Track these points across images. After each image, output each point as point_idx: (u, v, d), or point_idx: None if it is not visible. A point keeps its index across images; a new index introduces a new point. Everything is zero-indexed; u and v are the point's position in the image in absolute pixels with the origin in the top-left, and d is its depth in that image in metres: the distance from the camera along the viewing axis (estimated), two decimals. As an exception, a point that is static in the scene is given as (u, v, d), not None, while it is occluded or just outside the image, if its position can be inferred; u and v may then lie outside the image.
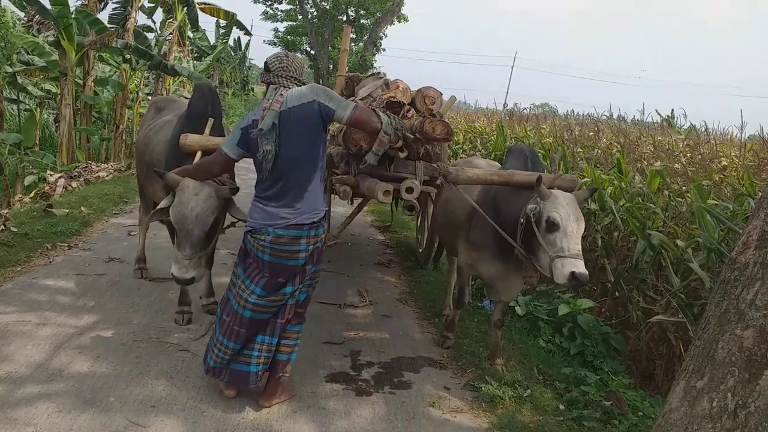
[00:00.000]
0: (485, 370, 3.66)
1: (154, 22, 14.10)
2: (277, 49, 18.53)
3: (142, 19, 12.92)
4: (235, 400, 3.01)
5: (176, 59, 12.97)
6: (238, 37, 27.37)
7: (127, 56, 11.34)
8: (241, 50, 28.02)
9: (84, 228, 5.96)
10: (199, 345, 3.54)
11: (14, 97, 11.00)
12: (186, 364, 3.34)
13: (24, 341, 3.39)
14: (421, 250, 6.04)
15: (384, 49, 27.35)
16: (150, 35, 13.19)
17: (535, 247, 3.07)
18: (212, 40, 21.28)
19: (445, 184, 3.57)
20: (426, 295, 5.10)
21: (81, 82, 10.64)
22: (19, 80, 10.54)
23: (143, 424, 2.74)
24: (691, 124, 8.78)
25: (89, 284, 4.40)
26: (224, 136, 3.45)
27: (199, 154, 3.32)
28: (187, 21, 13.57)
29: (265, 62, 2.81)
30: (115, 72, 12.24)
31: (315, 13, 26.83)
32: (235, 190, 3.15)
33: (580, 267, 2.87)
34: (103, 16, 11.03)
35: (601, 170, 6.23)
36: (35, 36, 10.66)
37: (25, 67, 10.66)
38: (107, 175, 9.05)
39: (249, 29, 18.13)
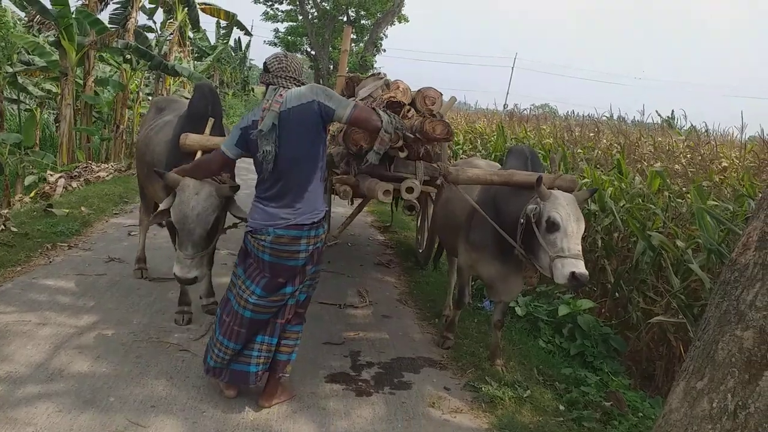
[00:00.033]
0: (485, 370, 3.66)
1: (155, 23, 14.12)
2: (278, 50, 18.56)
3: (142, 19, 12.95)
4: (235, 400, 3.01)
5: (176, 59, 12.98)
6: (239, 38, 27.45)
7: (128, 56, 11.35)
8: (241, 50, 28.05)
9: (84, 228, 5.96)
10: (199, 345, 3.54)
11: (15, 97, 11.01)
12: (186, 364, 3.34)
13: (24, 341, 3.39)
14: (421, 251, 6.04)
15: (384, 50, 27.41)
16: (150, 35, 13.20)
17: (535, 248, 3.08)
18: (213, 41, 21.29)
19: (445, 184, 3.57)
20: (426, 295, 5.10)
21: (81, 82, 10.65)
22: (20, 80, 10.55)
23: (143, 424, 2.74)
24: (692, 125, 8.77)
25: (89, 284, 4.40)
26: (224, 136, 3.45)
27: (199, 153, 3.32)
28: (188, 21, 13.58)
29: (264, 63, 2.81)
30: (116, 72, 12.25)
31: (315, 14, 26.84)
32: (236, 188, 3.15)
33: (580, 267, 2.87)
34: (104, 17, 11.06)
35: (602, 171, 6.22)
36: (36, 36, 10.67)
37: (25, 67, 10.67)
38: (107, 175, 9.05)
39: (249, 30, 18.16)
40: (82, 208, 6.50)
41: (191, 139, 3.34)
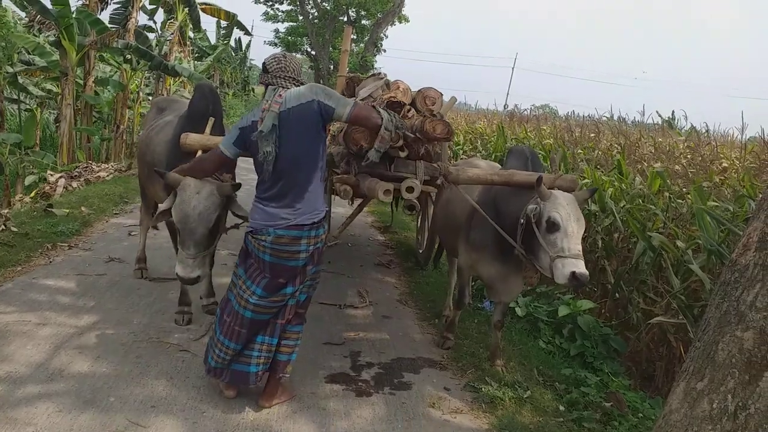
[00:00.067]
0: (485, 371, 3.66)
1: (155, 23, 14.12)
2: (278, 50, 18.53)
3: (143, 19, 12.96)
4: (235, 400, 3.01)
5: (177, 60, 12.98)
6: (239, 38, 27.46)
7: (128, 56, 11.36)
8: (241, 51, 28.05)
9: (84, 228, 5.96)
10: (199, 345, 3.54)
11: (15, 97, 11.01)
12: (186, 365, 3.34)
13: (24, 341, 3.39)
14: (421, 251, 6.04)
15: (385, 50, 27.39)
16: (151, 35, 13.21)
17: (536, 248, 3.08)
18: (213, 40, 21.30)
19: (445, 184, 3.58)
20: (426, 296, 5.10)
21: (82, 82, 10.65)
22: (20, 80, 10.55)
23: (143, 424, 2.74)
24: (692, 125, 8.78)
25: (89, 284, 4.40)
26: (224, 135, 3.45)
27: (199, 153, 3.32)
28: (188, 22, 13.59)
29: (263, 63, 2.81)
30: (116, 72, 12.26)
31: (316, 14, 26.83)
32: (237, 186, 3.15)
33: (580, 267, 2.87)
34: (105, 17, 11.07)
35: (602, 171, 6.22)
36: (36, 36, 10.67)
37: (26, 67, 10.68)
38: (108, 175, 9.05)
39: (249, 30, 18.16)
40: (83, 208, 6.50)
41: (191, 138, 3.34)
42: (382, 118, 2.84)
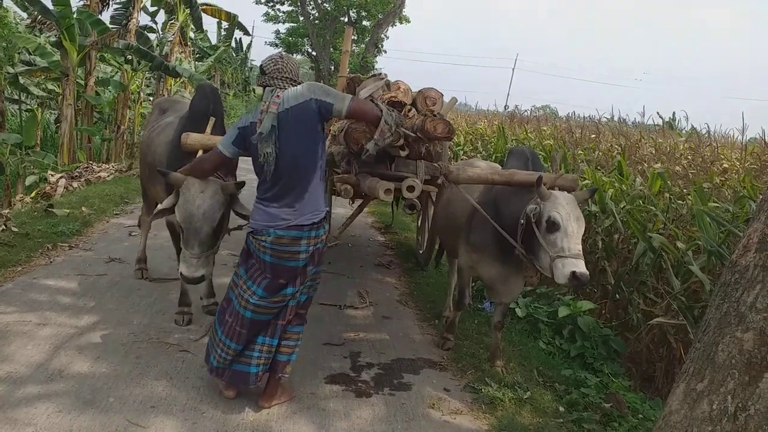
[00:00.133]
0: (485, 371, 3.66)
1: (156, 23, 14.14)
2: (279, 51, 18.51)
3: (144, 19, 12.98)
4: (235, 400, 3.01)
5: (177, 60, 12.99)
6: (240, 38, 27.48)
7: (129, 57, 11.37)
8: (242, 51, 28.07)
9: (85, 228, 5.96)
10: (199, 346, 3.54)
11: (16, 97, 11.03)
12: (186, 365, 3.34)
13: (24, 341, 3.39)
14: (421, 252, 6.04)
15: (385, 51, 27.40)
16: (152, 36, 13.22)
17: (536, 248, 3.08)
18: (214, 41, 21.31)
19: (446, 184, 3.58)
20: (426, 296, 5.10)
21: (82, 82, 10.67)
22: (21, 81, 10.56)
23: (143, 425, 2.74)
24: (692, 126, 8.78)
25: (90, 284, 4.40)
26: (225, 135, 3.45)
27: (200, 153, 3.32)
28: (190, 22, 13.61)
29: (261, 65, 2.82)
30: (117, 72, 12.27)
31: (316, 15, 26.86)
32: (241, 185, 3.15)
33: (580, 267, 2.87)
34: (105, 17, 11.07)
35: (602, 172, 6.22)
36: (37, 36, 10.69)
37: (27, 67, 10.69)
38: (108, 176, 9.05)
39: (250, 31, 18.19)
40: (83, 209, 6.50)
41: (192, 138, 3.34)
42: (381, 111, 2.84)
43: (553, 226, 2.97)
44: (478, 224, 3.51)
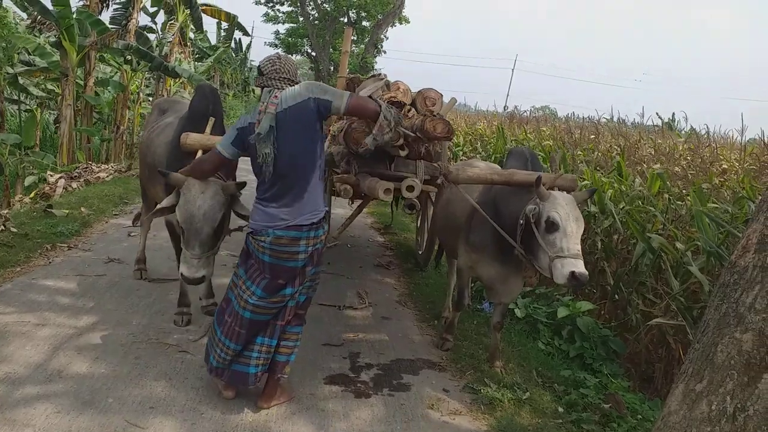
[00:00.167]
0: (484, 372, 3.65)
1: (156, 24, 14.14)
2: (278, 51, 18.49)
3: (143, 19, 12.97)
4: (234, 401, 3.01)
5: (177, 61, 12.99)
6: (239, 39, 27.44)
7: (128, 57, 11.37)
8: (242, 52, 28.05)
9: (84, 229, 5.96)
10: (198, 346, 3.54)
11: (15, 97, 11.02)
12: (185, 366, 3.34)
13: (23, 342, 3.39)
14: (420, 252, 6.04)
15: (385, 51, 27.42)
16: (151, 36, 13.22)
17: (535, 248, 3.08)
18: (213, 41, 21.30)
19: (445, 184, 3.58)
20: (425, 297, 5.10)
21: (82, 82, 10.66)
22: (21, 81, 10.56)
23: (142, 426, 2.74)
24: (692, 127, 8.79)
25: (89, 285, 4.39)
26: (225, 135, 3.45)
27: (199, 153, 3.32)
28: (189, 23, 13.61)
29: (258, 66, 2.82)
30: (116, 73, 12.28)
31: (316, 16, 26.87)
32: (242, 185, 3.15)
33: (579, 267, 2.88)
34: (105, 18, 11.07)
35: (602, 173, 6.23)
36: (36, 36, 10.68)
37: (26, 68, 10.68)
38: (107, 176, 9.05)
39: (250, 31, 18.18)
40: (82, 209, 6.50)
41: (192, 138, 3.34)
42: (380, 106, 2.85)
43: (552, 227, 2.97)
44: (477, 224, 3.51)
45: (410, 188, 3.32)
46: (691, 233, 4.43)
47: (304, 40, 28.14)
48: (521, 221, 3.15)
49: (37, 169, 9.33)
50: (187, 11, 13.07)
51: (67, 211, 6.25)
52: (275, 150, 2.68)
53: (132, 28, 11.34)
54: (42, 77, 11.20)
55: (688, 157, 6.61)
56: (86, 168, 9.25)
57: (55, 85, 11.20)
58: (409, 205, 3.50)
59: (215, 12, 14.63)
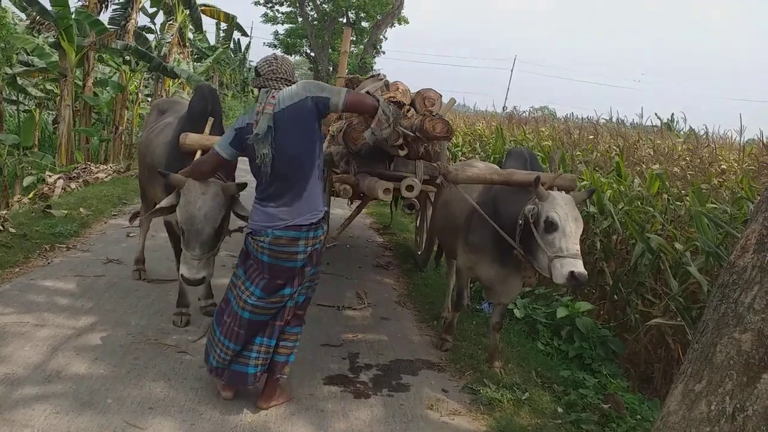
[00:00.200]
0: (483, 372, 3.65)
1: (155, 24, 14.13)
2: (277, 52, 18.54)
3: (142, 20, 12.97)
4: (233, 401, 3.01)
5: (176, 61, 12.99)
6: (238, 39, 27.42)
7: (127, 58, 11.36)
8: (241, 52, 28.04)
9: (83, 229, 5.95)
10: (197, 347, 3.53)
11: (14, 98, 11.01)
12: (184, 366, 3.33)
13: (22, 342, 3.38)
14: (420, 253, 6.04)
15: (384, 52, 27.42)
16: (150, 36, 13.21)
17: (534, 248, 3.08)
18: (212, 42, 21.30)
19: (445, 185, 3.58)
20: (424, 297, 5.10)
21: (81, 83, 10.65)
22: (19, 81, 10.55)
23: (141, 426, 2.73)
24: (691, 127, 8.80)
25: (87, 285, 4.39)
26: (224, 135, 3.44)
27: (198, 153, 3.32)
28: (188, 23, 13.60)
29: (255, 67, 2.83)
30: (115, 73, 12.27)
31: (315, 16, 26.86)
32: (242, 186, 3.15)
33: (579, 267, 2.88)
34: (104, 18, 11.07)
35: (601, 173, 6.23)
36: (35, 37, 10.68)
37: (25, 68, 10.68)
38: (106, 177, 9.04)
39: (249, 32, 18.17)
40: (81, 210, 6.49)
41: (191, 138, 3.34)
42: (378, 101, 2.85)
43: (551, 227, 2.97)
44: (476, 224, 3.51)
45: (410, 188, 3.32)
46: (690, 233, 4.43)
47: (303, 40, 28.12)
48: (520, 221, 3.15)
49: (35, 169, 9.32)
50: (186, 12, 13.06)
51: (65, 212, 6.24)
52: (273, 150, 2.68)
53: (131, 28, 11.34)
54: (41, 77, 11.19)
55: (687, 158, 6.61)
56: (85, 168, 9.24)
57: (54, 85, 11.18)
58: (409, 205, 3.50)
59: (214, 12, 14.63)
